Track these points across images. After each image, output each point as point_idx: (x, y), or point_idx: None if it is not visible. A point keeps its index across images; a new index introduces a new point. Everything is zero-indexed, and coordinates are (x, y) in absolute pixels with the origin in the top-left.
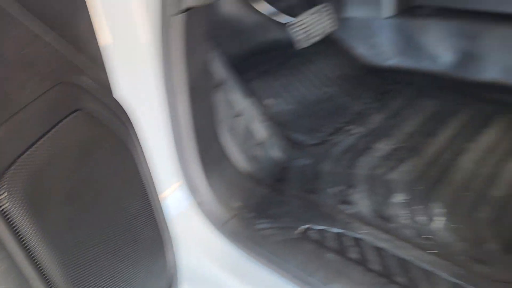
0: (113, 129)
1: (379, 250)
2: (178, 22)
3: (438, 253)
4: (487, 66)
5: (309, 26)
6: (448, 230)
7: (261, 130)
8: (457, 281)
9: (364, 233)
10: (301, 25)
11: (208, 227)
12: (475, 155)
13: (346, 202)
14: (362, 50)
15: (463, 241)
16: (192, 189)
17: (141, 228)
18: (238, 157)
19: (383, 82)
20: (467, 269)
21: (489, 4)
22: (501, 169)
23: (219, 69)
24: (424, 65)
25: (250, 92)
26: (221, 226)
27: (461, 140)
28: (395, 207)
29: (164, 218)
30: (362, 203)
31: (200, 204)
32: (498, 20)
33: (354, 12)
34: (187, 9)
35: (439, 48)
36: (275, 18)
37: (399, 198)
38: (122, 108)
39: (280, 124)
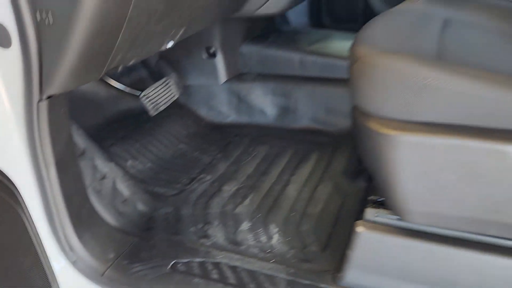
0: (3, 196)
1: (234, 268)
2: (43, 107)
3: (276, 260)
4: (300, 116)
5: (157, 96)
6: (282, 243)
7: (125, 188)
8: (291, 278)
9: (221, 258)
10: (150, 96)
11: (86, 281)
12: (297, 185)
13: (205, 236)
14: (205, 111)
15: (293, 248)
16: (67, 249)
17: (34, 280)
18: (107, 215)
19: (225, 136)
20: (297, 268)
21: (296, 70)
22: (316, 192)
23: (81, 139)
24: (255, 119)
25: (112, 156)
26: (99, 277)
27: (286, 174)
28: (243, 233)
29: (53, 272)
30: (217, 235)
31: (75, 263)
32: (304, 81)
33: (195, 80)
34: (50, 96)
35: (264, 105)
36: (127, 91)
37: (245, 226)
38: (8, 178)
39: (141, 181)
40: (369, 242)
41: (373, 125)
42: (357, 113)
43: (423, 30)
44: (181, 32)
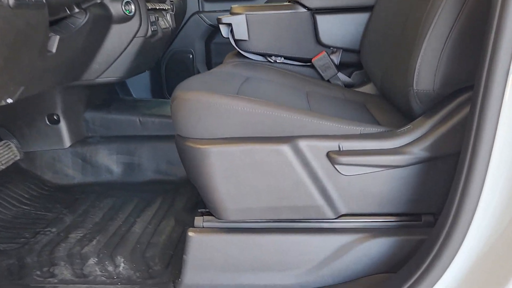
0: None
1: None
2: None
3: (123, 282)
4: (144, 170)
5: None
6: (128, 269)
7: None
8: None
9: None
10: None
11: None
12: (142, 223)
13: (52, 276)
14: (50, 175)
15: (139, 271)
16: None
17: None
18: None
19: (72, 195)
20: (142, 284)
21: (138, 130)
22: (159, 226)
23: None
24: (103, 177)
25: None
26: None
27: (132, 217)
28: (90, 267)
29: None
30: (64, 272)
31: None
32: (146, 139)
33: (38, 146)
34: None
35: (110, 164)
36: None
37: (92, 261)
38: None
39: None
40: (200, 244)
41: (190, 144)
42: (179, 139)
43: (229, 82)
44: (20, 91)
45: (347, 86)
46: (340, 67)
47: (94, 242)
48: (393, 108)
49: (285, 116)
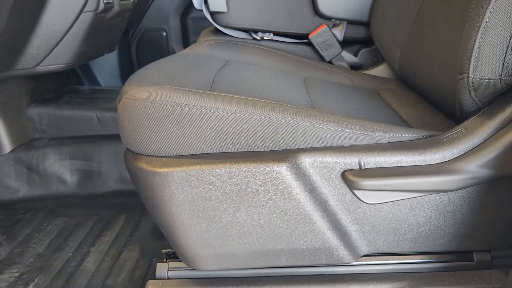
0: None
1: None
2: None
3: None
4: (105, 179)
5: None
6: None
7: None
8: None
9: None
10: None
11: None
12: (97, 255)
13: None
14: None
15: None
16: None
17: None
18: None
19: (12, 214)
20: None
21: (96, 129)
22: (119, 260)
23: None
24: (53, 189)
25: None
26: None
27: (85, 246)
28: None
29: None
30: None
31: None
32: (105, 140)
33: None
34: None
35: (62, 172)
36: None
37: None
38: None
39: None
40: None
41: (143, 165)
42: (128, 156)
43: (200, 71)
44: None
45: (353, 68)
46: (344, 44)
47: (31, 287)
48: (421, 100)
49: (280, 121)
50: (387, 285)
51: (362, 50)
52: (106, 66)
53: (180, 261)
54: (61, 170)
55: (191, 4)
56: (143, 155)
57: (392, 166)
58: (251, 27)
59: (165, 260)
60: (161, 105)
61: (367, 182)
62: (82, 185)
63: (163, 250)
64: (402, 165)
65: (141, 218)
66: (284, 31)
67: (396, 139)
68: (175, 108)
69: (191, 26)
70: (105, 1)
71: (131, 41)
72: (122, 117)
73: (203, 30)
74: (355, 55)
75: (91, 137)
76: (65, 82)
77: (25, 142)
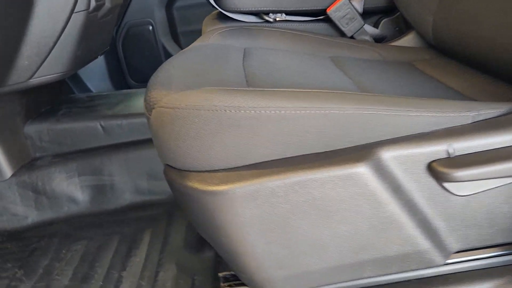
0: None
1: None
2: None
3: None
4: (120, 192)
5: None
6: None
7: None
8: None
9: None
10: None
11: None
12: (131, 279)
13: None
14: None
15: None
16: None
17: None
18: None
19: (25, 244)
20: None
21: (101, 139)
22: (157, 282)
23: None
24: (65, 210)
25: None
26: None
27: (116, 270)
28: None
29: None
30: None
31: None
32: (114, 150)
33: None
34: None
35: (72, 190)
36: None
37: None
38: None
39: None
40: None
41: (194, 184)
42: (171, 173)
43: (226, 62)
44: None
45: (376, 40)
46: (363, 16)
47: None
48: (467, 69)
49: (352, 113)
50: (484, 283)
51: (384, 20)
52: (93, 70)
53: (245, 285)
54: (70, 188)
55: None
56: (192, 171)
57: (483, 150)
58: (261, 8)
59: (222, 283)
60: (210, 111)
61: (461, 173)
62: (96, 202)
63: (220, 274)
64: (493, 147)
65: (169, 230)
66: (297, 9)
67: (480, 118)
68: (228, 113)
69: (178, 17)
70: None
71: (116, 39)
72: (159, 130)
73: (192, 18)
74: (376, 26)
75: (98, 148)
76: (58, 93)
77: (26, 163)
